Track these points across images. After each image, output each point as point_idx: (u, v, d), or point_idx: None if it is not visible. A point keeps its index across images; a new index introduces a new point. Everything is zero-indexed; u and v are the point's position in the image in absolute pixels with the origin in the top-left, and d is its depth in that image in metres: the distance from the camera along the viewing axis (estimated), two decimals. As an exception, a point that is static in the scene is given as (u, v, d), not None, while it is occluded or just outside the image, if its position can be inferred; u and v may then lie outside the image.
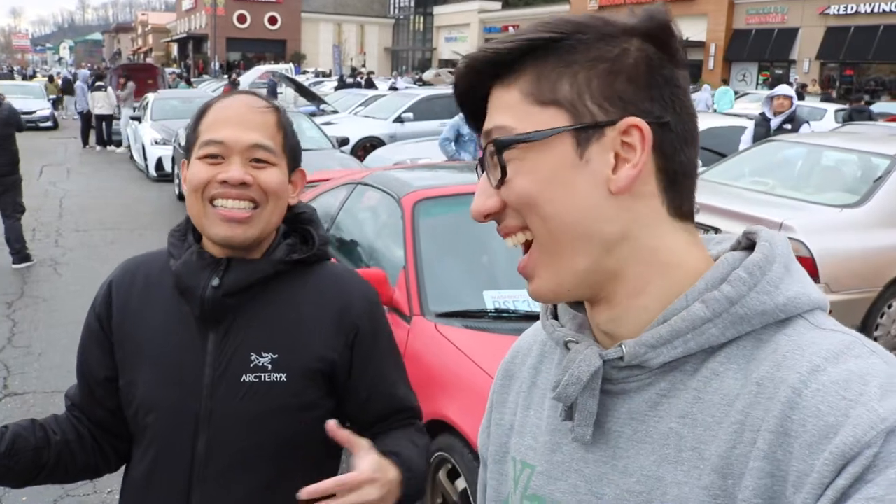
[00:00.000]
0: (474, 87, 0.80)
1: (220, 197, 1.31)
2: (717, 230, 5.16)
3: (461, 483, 2.96)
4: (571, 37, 0.75)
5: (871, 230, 5.19)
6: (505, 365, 0.98)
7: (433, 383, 3.15)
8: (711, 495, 0.69)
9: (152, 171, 13.68)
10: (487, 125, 0.78)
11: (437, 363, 3.16)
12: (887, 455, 0.60)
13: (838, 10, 28.92)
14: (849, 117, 14.75)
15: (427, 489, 3.17)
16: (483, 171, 0.79)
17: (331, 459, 1.43)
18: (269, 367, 1.32)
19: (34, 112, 22.31)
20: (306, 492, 1.13)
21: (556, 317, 0.86)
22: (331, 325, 1.38)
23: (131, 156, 16.17)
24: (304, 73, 35.42)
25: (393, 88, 22.36)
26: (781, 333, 0.71)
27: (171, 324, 1.36)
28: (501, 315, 3.33)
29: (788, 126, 7.74)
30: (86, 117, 18.71)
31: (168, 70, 35.23)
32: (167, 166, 13.26)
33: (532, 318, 2.59)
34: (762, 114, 8.09)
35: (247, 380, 1.32)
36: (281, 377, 1.32)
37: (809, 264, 4.83)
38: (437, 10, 55.11)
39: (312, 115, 13.84)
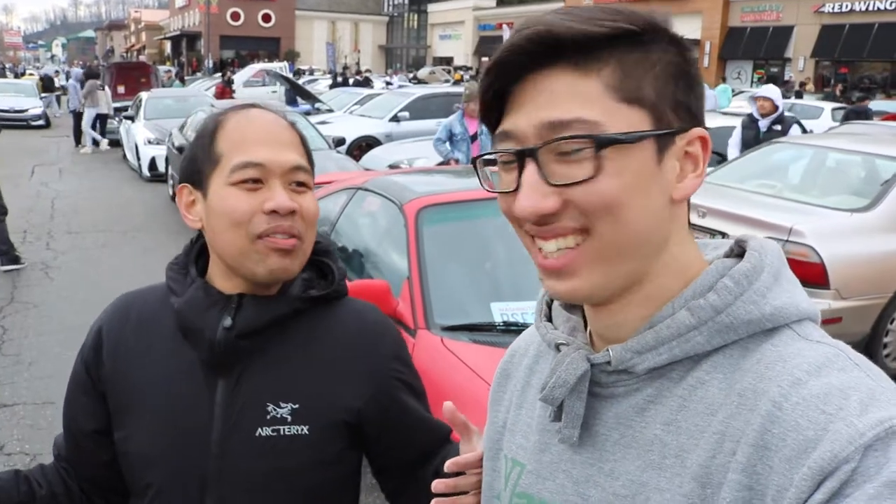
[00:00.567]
0: (523, 64, 0.72)
1: (273, 232, 1.14)
2: (724, 235, 5.05)
3: None
4: (647, 34, 0.72)
5: (882, 235, 5.10)
6: (503, 364, 0.98)
7: (440, 402, 3.01)
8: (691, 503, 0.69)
9: (145, 171, 13.54)
10: (559, 115, 0.70)
11: (444, 380, 3.03)
12: (865, 470, 0.60)
13: (833, 8, 28.90)
14: (846, 117, 14.67)
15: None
16: (521, 167, 0.72)
17: None
18: (289, 418, 1.17)
19: (26, 110, 22.16)
20: (453, 463, 0.98)
21: (549, 319, 0.86)
22: (356, 370, 1.23)
23: (124, 155, 16.00)
24: (299, 71, 35.23)
25: (387, 84, 22.24)
26: (767, 343, 0.71)
27: (173, 370, 1.20)
28: (510, 328, 3.20)
29: (778, 128, 7.52)
30: (78, 116, 18.50)
31: (163, 68, 35.04)
32: (160, 166, 13.10)
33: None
34: (750, 115, 7.84)
35: (263, 434, 1.16)
36: (303, 430, 1.17)
37: (819, 270, 4.73)
38: (431, 7, 54.99)
39: (307, 114, 13.72)
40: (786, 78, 28.37)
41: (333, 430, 1.20)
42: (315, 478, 1.20)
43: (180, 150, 10.42)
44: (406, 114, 14.12)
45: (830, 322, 4.64)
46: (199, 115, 11.20)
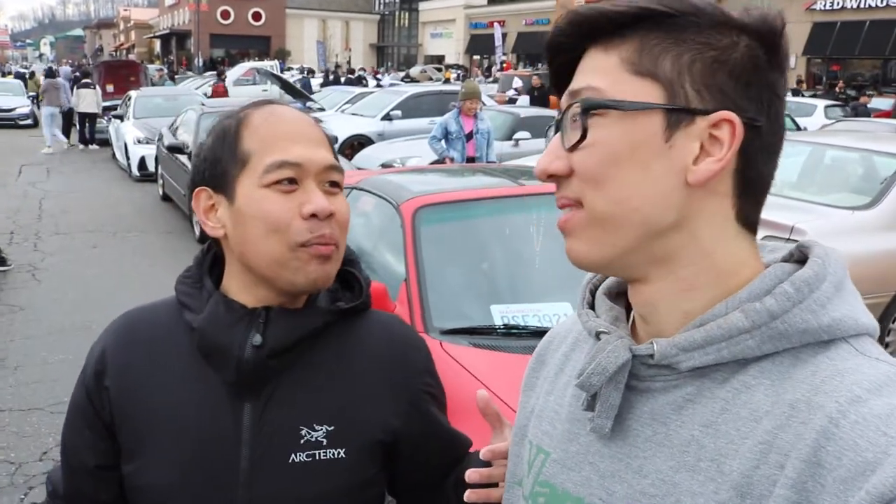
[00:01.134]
0: (568, 45, 0.78)
1: (316, 242, 1.04)
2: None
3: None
4: (686, 16, 0.72)
5: (884, 233, 5.06)
6: (539, 350, 0.98)
7: (439, 407, 2.93)
8: None
9: (135, 171, 13.43)
10: (576, 84, 0.75)
11: (445, 386, 2.94)
12: None
13: (824, 6, 28.95)
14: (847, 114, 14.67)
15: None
16: (557, 132, 0.76)
17: None
18: (325, 441, 1.08)
19: (13, 109, 21.99)
20: (489, 451, 1.00)
21: (592, 307, 0.85)
22: (389, 385, 1.15)
23: (113, 155, 15.85)
24: (289, 69, 35.08)
25: (377, 81, 22.15)
26: (823, 356, 0.68)
27: (192, 395, 1.09)
28: (511, 331, 3.11)
29: None
30: (67, 115, 18.33)
31: (154, 67, 34.84)
32: (150, 166, 12.98)
33: (543, 333, 2.37)
34: None
35: (298, 460, 1.07)
36: (339, 453, 1.09)
37: (822, 269, 4.66)
38: (422, 5, 54.91)
39: (299, 112, 13.58)
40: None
41: (369, 452, 1.12)
42: (350, 503, 1.12)
43: (170, 149, 10.28)
44: (398, 112, 14.03)
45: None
46: (189, 113, 11.09)
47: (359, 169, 8.86)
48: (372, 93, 17.02)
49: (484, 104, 9.14)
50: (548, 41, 0.79)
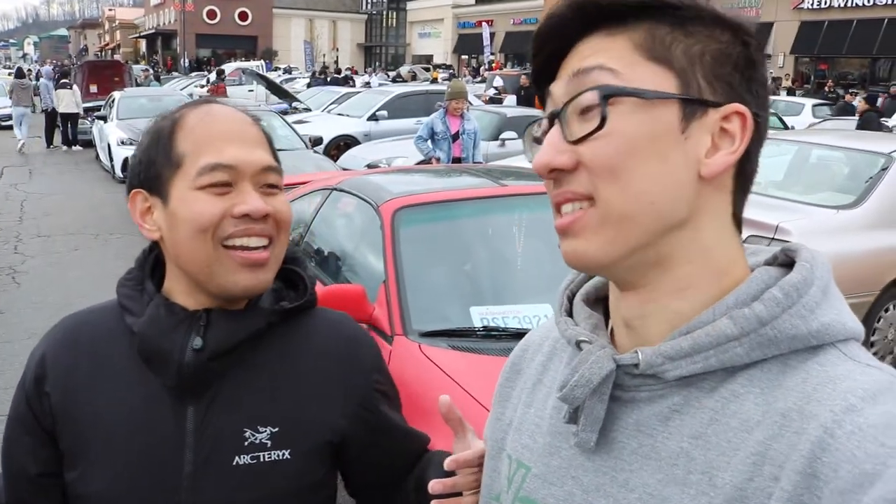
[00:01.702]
0: (563, 32, 0.74)
1: (239, 236, 1.03)
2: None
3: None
4: (690, 9, 0.71)
5: (869, 232, 5.06)
6: (513, 359, 0.94)
7: (417, 410, 2.86)
8: None
9: (118, 173, 13.30)
10: (583, 63, 0.71)
11: (422, 389, 2.89)
12: None
13: (812, 5, 29.08)
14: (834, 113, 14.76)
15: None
16: (550, 126, 0.73)
17: None
18: (269, 443, 1.08)
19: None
20: (452, 461, 0.95)
21: (570, 314, 0.82)
22: (336, 385, 1.15)
23: (97, 156, 15.73)
24: (276, 69, 34.98)
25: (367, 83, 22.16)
26: (813, 362, 0.67)
27: (134, 400, 1.07)
28: (490, 333, 3.07)
29: None
30: (50, 116, 18.19)
31: (138, 67, 34.66)
32: (134, 167, 12.86)
33: (523, 335, 2.34)
34: None
35: (241, 462, 1.06)
36: (284, 455, 1.08)
37: (807, 269, 4.65)
38: (410, 5, 54.91)
39: (284, 113, 13.53)
40: (770, 74, 28.54)
41: (316, 453, 1.12)
42: None
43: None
44: (384, 113, 13.99)
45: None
46: (172, 114, 11.01)
47: (344, 170, 8.82)
48: (358, 93, 16.96)
49: (471, 104, 9.11)
50: (540, 28, 0.76)
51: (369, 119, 13.92)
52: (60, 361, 1.11)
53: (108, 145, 13.84)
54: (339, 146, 12.90)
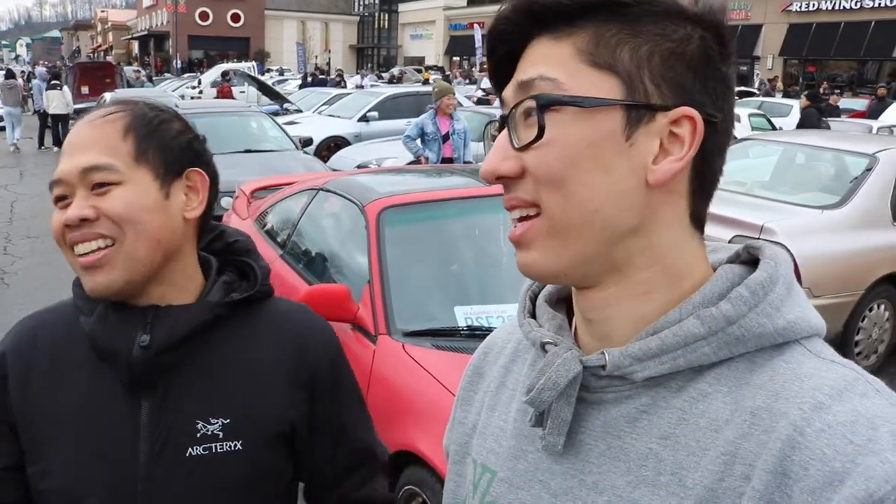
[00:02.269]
0: (512, 33, 0.73)
1: (76, 243, 1.05)
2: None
3: (433, 520, 2.71)
4: (641, 5, 0.68)
5: (853, 232, 5.07)
6: (475, 362, 0.93)
7: (401, 410, 2.90)
8: None
9: (109, 174, 13.25)
10: (526, 74, 0.70)
11: (406, 388, 2.91)
12: None
13: (800, 7, 29.20)
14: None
15: (396, 525, 2.93)
16: (502, 129, 0.72)
17: None
18: (221, 434, 1.10)
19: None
20: None
21: (533, 315, 0.81)
22: (288, 376, 1.15)
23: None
24: (269, 71, 34.89)
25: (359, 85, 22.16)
26: (778, 359, 0.67)
27: (92, 395, 1.10)
28: (474, 333, 3.08)
29: None
30: (43, 117, 18.14)
31: (131, 68, 34.54)
32: (124, 168, 12.80)
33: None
34: None
35: (194, 453, 1.09)
36: (236, 445, 1.10)
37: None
38: (402, 7, 54.88)
39: (275, 114, 13.51)
40: (757, 75, 28.61)
41: (269, 443, 1.13)
42: (252, 495, 1.13)
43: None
44: (375, 114, 13.98)
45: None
46: (162, 115, 10.99)
47: (334, 171, 8.82)
48: (349, 94, 16.95)
49: (460, 104, 9.12)
50: (489, 28, 0.75)
51: (360, 120, 13.90)
52: (20, 360, 1.13)
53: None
54: (329, 147, 12.88)
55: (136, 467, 1.08)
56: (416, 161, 7.89)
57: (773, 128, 13.70)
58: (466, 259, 3.54)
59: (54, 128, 17.70)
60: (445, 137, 7.93)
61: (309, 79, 26.27)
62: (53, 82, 18.07)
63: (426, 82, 24.70)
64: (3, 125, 21.70)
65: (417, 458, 2.72)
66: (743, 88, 22.77)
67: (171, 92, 20.29)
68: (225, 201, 7.28)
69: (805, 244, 4.78)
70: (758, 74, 28.57)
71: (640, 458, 0.69)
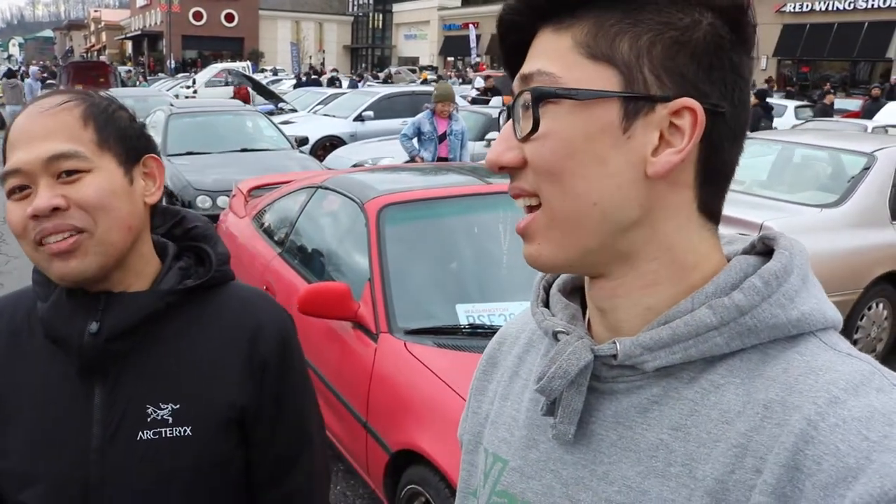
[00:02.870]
0: (519, 24, 0.73)
1: (43, 236, 1.04)
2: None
3: (436, 519, 2.69)
4: None
5: (852, 230, 5.09)
6: (490, 351, 0.93)
7: (403, 409, 2.88)
8: None
9: (103, 173, 13.21)
10: (527, 68, 0.71)
11: (408, 387, 2.89)
12: None
13: (794, 8, 29.29)
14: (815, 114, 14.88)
15: (398, 524, 2.91)
16: (509, 118, 0.72)
17: None
18: (171, 420, 1.12)
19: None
20: None
21: (547, 304, 0.81)
22: (240, 363, 1.17)
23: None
24: (262, 71, 34.85)
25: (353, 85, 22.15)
26: (792, 351, 0.66)
27: (47, 380, 1.13)
28: (476, 331, 3.06)
29: None
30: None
31: (124, 68, 34.46)
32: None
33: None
34: None
35: (144, 437, 1.11)
36: (185, 431, 1.12)
37: (791, 267, 4.70)
38: (396, 7, 54.87)
39: (270, 113, 13.48)
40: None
41: (219, 429, 1.15)
42: (203, 480, 1.14)
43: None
44: (370, 113, 13.97)
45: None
46: (158, 114, 10.94)
47: (329, 170, 8.80)
48: (344, 94, 16.92)
49: (457, 105, 9.08)
50: (500, 17, 0.75)
51: (355, 119, 13.89)
52: None
53: (93, 146, 13.76)
54: (325, 147, 12.87)
55: (89, 451, 1.10)
56: (412, 160, 7.87)
57: (769, 127, 13.72)
58: (468, 257, 3.52)
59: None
60: (442, 137, 7.92)
61: (303, 78, 26.24)
62: (49, 82, 18.11)
63: (424, 82, 24.69)
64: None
65: (420, 457, 2.71)
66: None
67: (165, 91, 20.22)
68: (221, 200, 7.26)
69: (805, 243, 4.74)
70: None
71: (651, 449, 0.69)
